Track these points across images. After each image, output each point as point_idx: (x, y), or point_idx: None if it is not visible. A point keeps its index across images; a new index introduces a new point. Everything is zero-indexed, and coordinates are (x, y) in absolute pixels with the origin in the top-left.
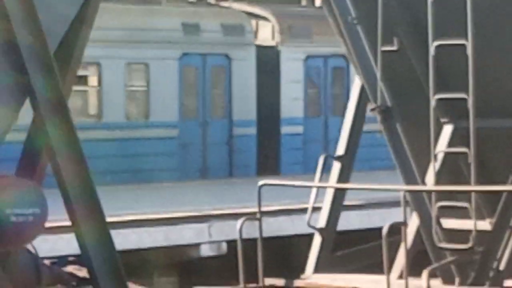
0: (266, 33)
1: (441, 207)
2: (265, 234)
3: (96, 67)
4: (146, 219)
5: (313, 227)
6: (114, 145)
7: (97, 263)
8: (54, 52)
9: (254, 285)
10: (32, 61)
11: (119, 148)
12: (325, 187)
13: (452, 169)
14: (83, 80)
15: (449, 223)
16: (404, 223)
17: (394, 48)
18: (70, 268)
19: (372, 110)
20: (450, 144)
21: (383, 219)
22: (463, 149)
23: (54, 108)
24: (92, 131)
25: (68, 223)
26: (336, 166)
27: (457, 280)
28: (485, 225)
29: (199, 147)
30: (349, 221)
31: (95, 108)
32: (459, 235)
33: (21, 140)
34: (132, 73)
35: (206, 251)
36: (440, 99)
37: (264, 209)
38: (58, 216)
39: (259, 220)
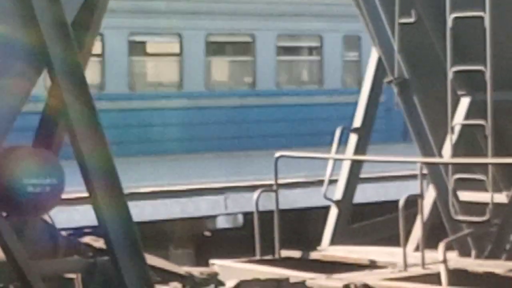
0: None
1: (458, 180)
2: (281, 206)
3: None
4: (162, 191)
5: (330, 199)
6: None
7: (114, 234)
8: (71, 20)
9: (270, 257)
10: (49, 30)
11: None
12: (341, 159)
13: (469, 142)
14: None
15: (466, 195)
16: (421, 196)
17: (412, 20)
18: (87, 239)
19: (389, 82)
20: (467, 116)
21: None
22: (480, 122)
23: (71, 78)
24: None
25: (85, 194)
26: (353, 138)
27: (473, 252)
28: (502, 197)
29: None
30: (365, 194)
31: None
32: (475, 207)
33: (39, 110)
34: None
35: (222, 223)
36: (457, 72)
37: (280, 181)
38: (75, 188)
39: (276, 192)
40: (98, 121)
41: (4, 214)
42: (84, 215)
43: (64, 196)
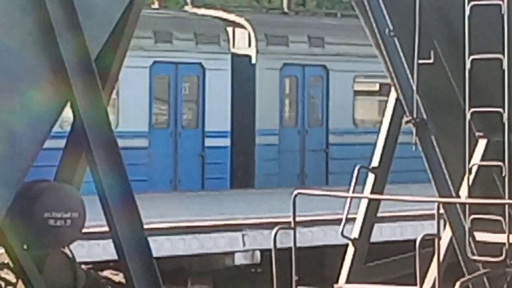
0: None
1: (475, 220)
2: (298, 244)
3: None
4: (181, 226)
5: (347, 237)
6: None
7: (134, 268)
8: (95, 58)
9: None
10: (74, 69)
11: None
12: (359, 198)
13: (486, 182)
14: None
15: (482, 236)
16: (438, 235)
17: (431, 61)
18: (106, 273)
19: (407, 122)
20: (485, 157)
21: (415, 231)
22: (497, 163)
23: (92, 113)
24: None
25: (106, 229)
26: (371, 177)
27: None
28: None
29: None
30: (382, 233)
31: None
32: (492, 248)
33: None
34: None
35: (240, 259)
36: (475, 113)
37: (298, 219)
38: (96, 222)
39: (294, 229)
40: (119, 154)
41: (25, 246)
42: (104, 250)
43: (85, 230)
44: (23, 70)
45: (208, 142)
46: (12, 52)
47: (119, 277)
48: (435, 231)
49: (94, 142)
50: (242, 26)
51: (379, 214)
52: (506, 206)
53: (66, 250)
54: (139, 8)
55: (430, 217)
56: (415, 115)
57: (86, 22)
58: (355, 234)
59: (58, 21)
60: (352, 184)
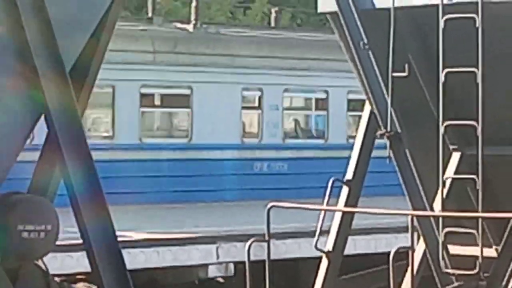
0: None
1: (448, 233)
2: (272, 256)
3: None
4: (155, 239)
5: (321, 250)
6: None
7: (107, 280)
8: (69, 70)
9: None
10: (48, 79)
11: None
12: (333, 210)
13: (459, 195)
14: None
15: (456, 249)
16: (412, 248)
17: (405, 74)
18: (80, 285)
19: (382, 135)
20: (458, 170)
21: (389, 243)
22: (471, 176)
23: (68, 126)
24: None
25: (79, 241)
26: (345, 190)
27: None
28: (491, 251)
29: None
30: (356, 246)
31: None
32: (465, 261)
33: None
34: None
35: (214, 272)
36: (449, 126)
37: (272, 231)
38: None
39: (268, 242)
40: (93, 167)
41: None
42: (78, 262)
43: (58, 242)
44: None
45: None
46: None
47: None
48: (409, 244)
49: (67, 151)
50: None
51: (353, 227)
52: (480, 219)
53: (40, 262)
54: (114, 18)
55: (404, 229)
56: (389, 128)
57: (61, 33)
58: (329, 246)
59: (32, 33)
60: (326, 196)
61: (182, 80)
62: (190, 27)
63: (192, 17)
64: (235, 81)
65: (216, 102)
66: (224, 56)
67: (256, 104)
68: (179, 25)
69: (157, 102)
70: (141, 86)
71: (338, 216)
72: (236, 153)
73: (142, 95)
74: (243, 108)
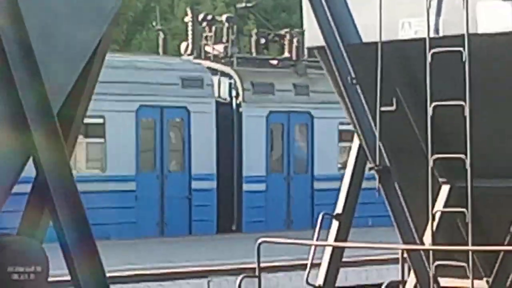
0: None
1: (439, 266)
2: None
3: None
4: (146, 274)
5: (312, 285)
6: None
7: None
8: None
9: None
10: (36, 121)
11: None
12: (323, 245)
13: (449, 228)
14: None
15: (447, 281)
16: (402, 281)
17: (393, 108)
18: None
19: (371, 169)
20: (448, 203)
21: (381, 275)
22: (460, 209)
23: (57, 169)
24: None
25: (68, 277)
26: (335, 224)
27: None
28: (482, 284)
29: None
30: (347, 278)
31: None
32: None
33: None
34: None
35: None
36: (438, 159)
37: (263, 264)
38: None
39: (258, 277)
40: (81, 204)
41: None
42: None
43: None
44: None
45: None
46: None
47: None
48: (400, 276)
49: (56, 194)
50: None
51: (344, 258)
52: (470, 252)
53: None
54: (102, 55)
55: (395, 261)
56: (378, 162)
57: (47, 75)
58: (320, 281)
59: (19, 74)
60: (316, 230)
61: None
62: None
63: None
64: None
65: None
66: None
67: None
68: None
69: None
70: None
71: (328, 250)
72: None
73: None
74: None
